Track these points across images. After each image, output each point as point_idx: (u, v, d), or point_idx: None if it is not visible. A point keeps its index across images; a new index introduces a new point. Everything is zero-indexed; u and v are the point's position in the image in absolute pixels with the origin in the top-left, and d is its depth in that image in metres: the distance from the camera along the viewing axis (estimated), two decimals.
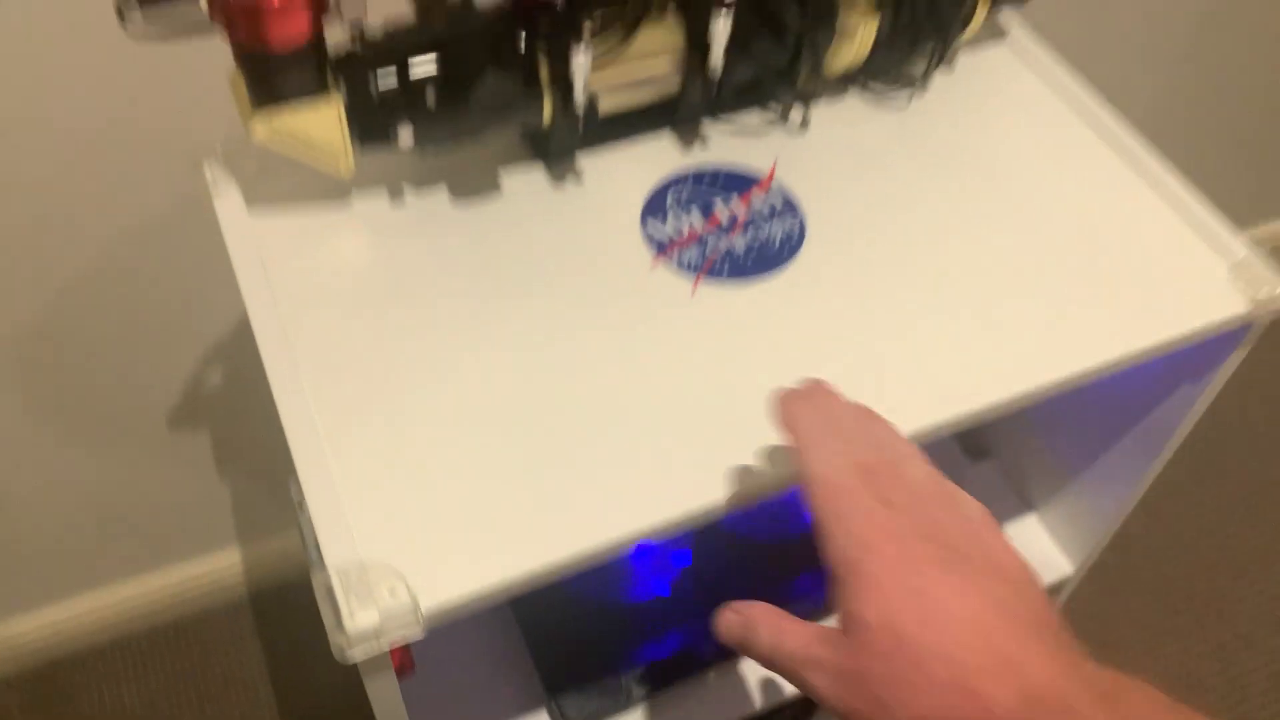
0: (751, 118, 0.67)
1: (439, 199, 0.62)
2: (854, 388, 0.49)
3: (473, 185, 0.63)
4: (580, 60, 0.55)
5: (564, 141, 0.63)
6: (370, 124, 0.56)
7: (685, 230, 0.61)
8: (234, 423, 1.04)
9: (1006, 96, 0.70)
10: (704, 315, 0.57)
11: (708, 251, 0.60)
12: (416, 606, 0.46)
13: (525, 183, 0.63)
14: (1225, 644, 1.24)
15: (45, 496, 1.01)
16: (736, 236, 0.61)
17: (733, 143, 0.66)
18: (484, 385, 0.54)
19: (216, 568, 1.17)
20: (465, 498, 0.50)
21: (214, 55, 0.52)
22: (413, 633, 0.46)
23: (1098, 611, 1.25)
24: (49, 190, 0.79)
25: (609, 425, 0.53)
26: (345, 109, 0.54)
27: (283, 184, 0.61)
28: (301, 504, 0.64)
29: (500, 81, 0.54)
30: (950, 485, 0.44)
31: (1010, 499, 0.87)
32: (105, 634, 1.16)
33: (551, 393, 0.54)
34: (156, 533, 1.11)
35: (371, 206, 0.62)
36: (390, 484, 0.50)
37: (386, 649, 0.46)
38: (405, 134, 0.56)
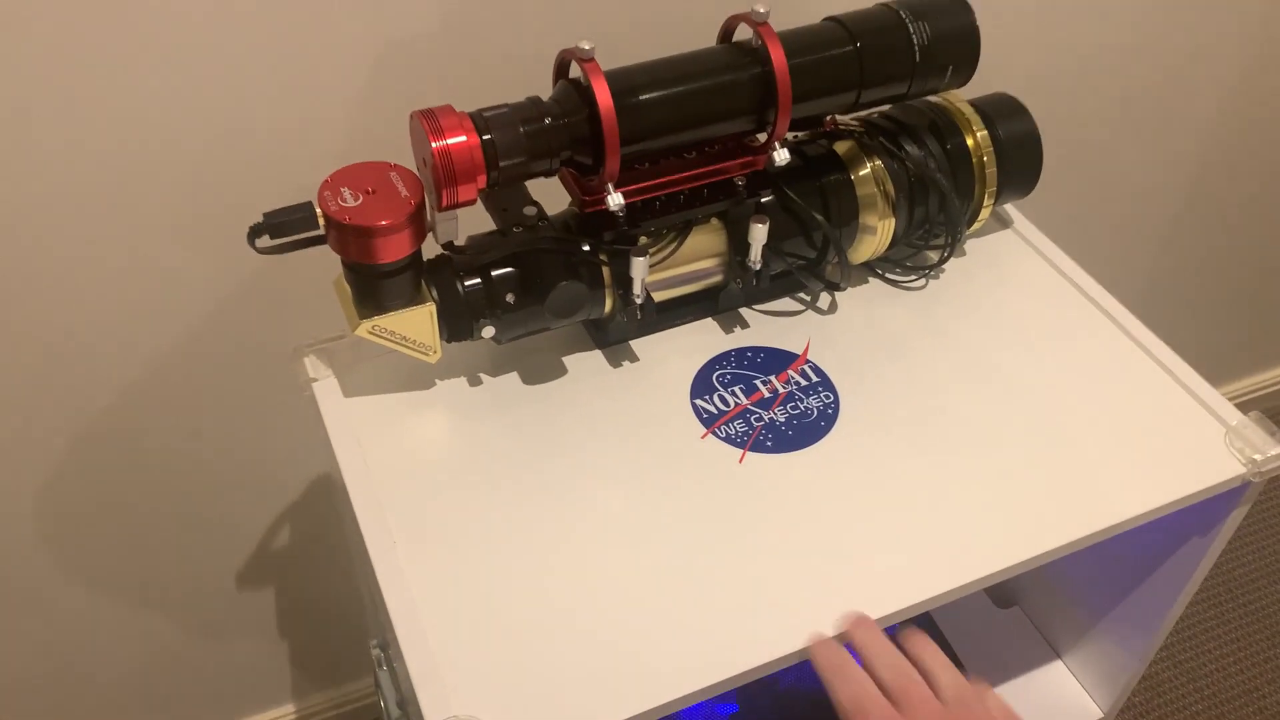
0: (786, 304, 0.76)
1: (512, 381, 0.70)
2: (889, 551, 0.55)
3: (542, 369, 0.71)
4: (639, 265, 0.64)
5: (622, 331, 0.71)
6: (457, 323, 0.64)
7: (731, 405, 0.69)
8: (296, 583, 1.10)
9: (1013, 279, 0.78)
10: (752, 482, 0.64)
11: (753, 424, 0.68)
12: None
13: (588, 365, 0.71)
14: None
15: (115, 652, 1.06)
16: (777, 409, 0.68)
17: (770, 326, 0.74)
18: (559, 553, 0.61)
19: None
20: (542, 658, 0.56)
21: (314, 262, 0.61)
22: None
23: None
24: (161, 370, 0.88)
25: (673, 587, 0.59)
26: (437, 310, 0.63)
27: (373, 370, 0.69)
28: (382, 663, 0.70)
29: (570, 288, 0.63)
30: None
31: (1039, 646, 0.92)
32: None
33: (620, 558, 0.60)
34: (219, 687, 1.16)
35: (453, 389, 0.69)
36: (477, 644, 0.56)
37: None
38: (487, 331, 0.64)
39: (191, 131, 0.74)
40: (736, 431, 0.67)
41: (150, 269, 0.80)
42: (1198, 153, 1.22)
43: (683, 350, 0.72)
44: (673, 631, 0.57)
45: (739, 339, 0.73)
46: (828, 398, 0.69)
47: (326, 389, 0.68)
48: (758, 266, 0.69)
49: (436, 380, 0.70)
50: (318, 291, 0.71)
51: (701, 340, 0.73)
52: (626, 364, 0.71)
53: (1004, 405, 0.69)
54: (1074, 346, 0.73)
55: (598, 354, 0.72)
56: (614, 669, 0.55)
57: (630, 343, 0.72)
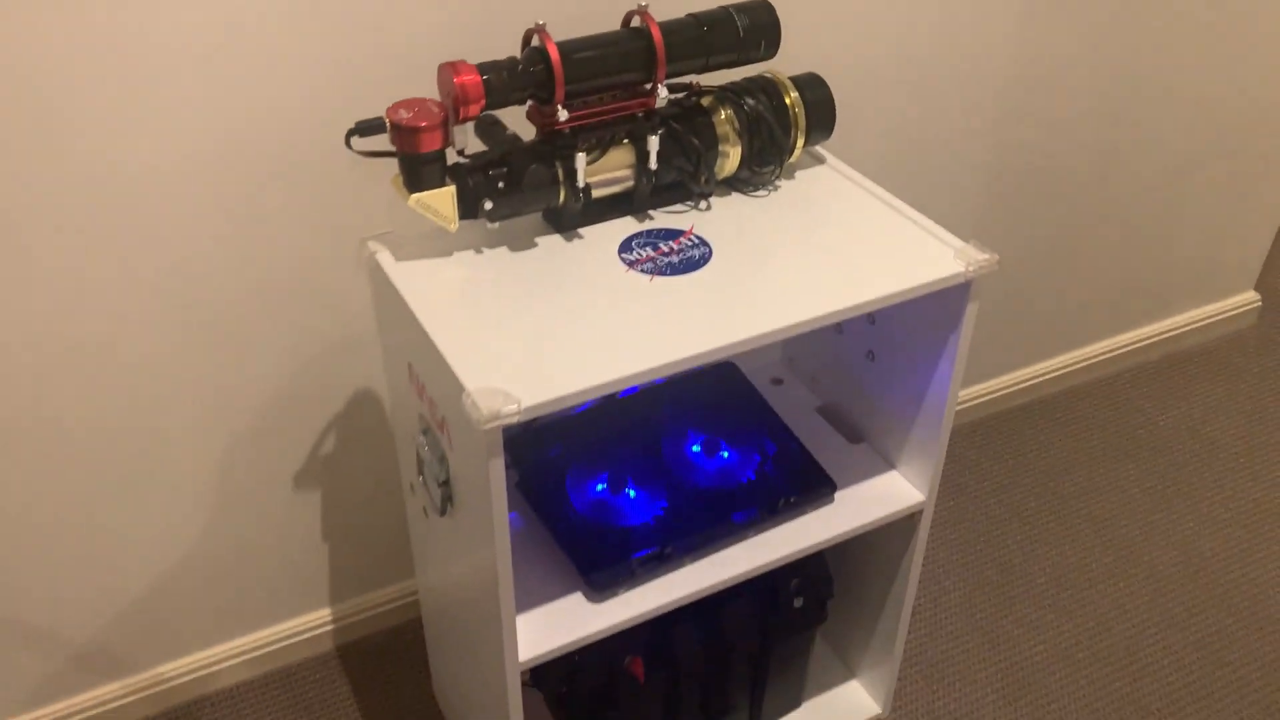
0: (676, 208, 1.16)
1: (501, 251, 1.09)
2: (743, 313, 0.94)
3: (520, 244, 1.09)
4: (580, 162, 1.04)
5: (572, 219, 1.10)
6: (467, 200, 1.03)
7: (644, 256, 1.08)
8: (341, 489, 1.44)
9: (820, 188, 1.19)
10: (659, 295, 1.03)
11: (658, 264, 1.07)
12: (519, 401, 0.88)
13: (550, 241, 1.10)
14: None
15: (194, 552, 1.39)
16: (673, 257, 1.08)
17: (666, 220, 1.14)
18: (537, 324, 0.98)
19: (314, 621, 1.53)
20: (532, 363, 0.93)
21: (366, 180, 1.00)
22: (515, 417, 0.88)
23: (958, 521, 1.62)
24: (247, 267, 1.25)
25: (616, 330, 0.97)
26: (455, 192, 1.02)
27: (410, 249, 1.08)
28: (424, 447, 1.06)
29: (538, 170, 1.03)
30: None
31: (881, 465, 1.29)
32: (231, 677, 1.49)
33: (595, 312, 0.98)
34: (266, 595, 1.48)
35: (464, 257, 1.08)
36: (490, 358, 0.93)
37: (503, 424, 0.88)
38: (487, 204, 1.03)
39: (305, 78, 1.14)
40: (648, 269, 1.06)
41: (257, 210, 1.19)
42: (963, 107, 1.67)
43: (610, 233, 1.12)
44: (608, 351, 0.95)
45: (647, 225, 1.13)
46: (705, 250, 1.09)
47: (384, 256, 1.07)
48: (654, 168, 1.09)
49: (454, 251, 1.08)
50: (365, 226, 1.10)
51: (622, 228, 1.13)
52: (575, 240, 1.11)
53: (816, 252, 1.09)
54: (862, 216, 1.14)
55: (556, 236, 1.11)
56: (573, 366, 0.93)
57: (578, 229, 1.12)
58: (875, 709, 1.48)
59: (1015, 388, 2.02)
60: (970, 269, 1.07)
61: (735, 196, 1.18)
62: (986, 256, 1.08)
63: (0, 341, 1.13)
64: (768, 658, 1.36)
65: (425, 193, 1.01)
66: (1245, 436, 1.99)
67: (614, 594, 1.13)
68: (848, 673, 1.52)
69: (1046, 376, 2.04)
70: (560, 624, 1.10)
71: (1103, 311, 2.04)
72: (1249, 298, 2.24)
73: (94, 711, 1.43)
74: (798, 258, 1.08)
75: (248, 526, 1.41)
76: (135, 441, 1.27)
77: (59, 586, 1.32)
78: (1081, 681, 1.55)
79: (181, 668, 1.47)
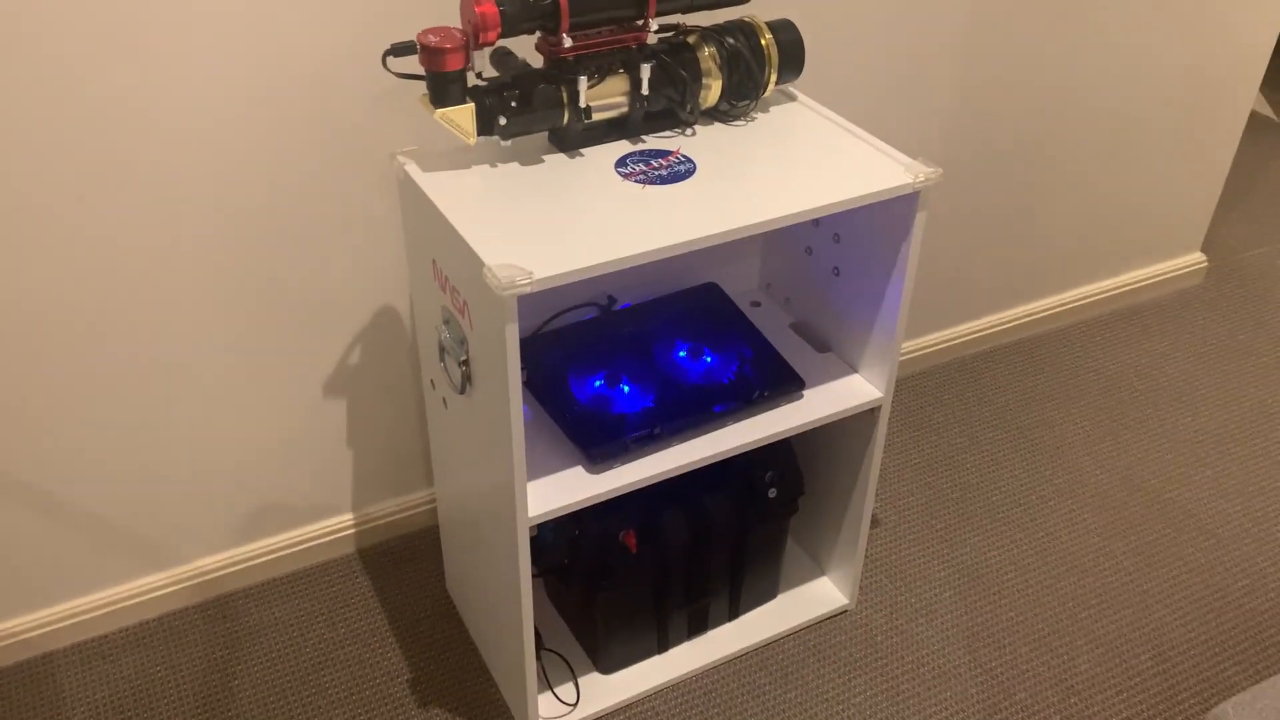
0: (664, 135, 1.33)
1: (513, 164, 1.25)
2: (724, 212, 1.11)
3: (530, 159, 1.26)
4: (582, 85, 1.21)
5: (575, 139, 1.27)
6: (485, 117, 1.20)
7: (637, 169, 1.25)
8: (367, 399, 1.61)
9: (790, 119, 1.37)
10: (650, 199, 1.20)
11: (650, 176, 1.24)
12: (531, 273, 1.05)
13: (555, 158, 1.27)
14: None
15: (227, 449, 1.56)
16: (663, 171, 1.25)
17: (656, 143, 1.31)
18: (545, 219, 1.15)
19: (337, 525, 1.69)
20: (543, 247, 1.10)
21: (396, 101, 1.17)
22: (527, 287, 1.04)
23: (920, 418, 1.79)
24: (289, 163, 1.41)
25: (614, 224, 1.14)
26: (475, 109, 1.19)
27: (434, 162, 1.24)
28: (444, 333, 1.23)
29: (546, 90, 1.20)
30: None
31: (844, 370, 1.46)
32: (261, 574, 1.66)
33: (585, 218, 1.15)
34: (294, 499, 1.64)
35: (483, 170, 1.25)
36: (507, 243, 1.10)
37: (518, 294, 1.04)
38: (502, 120, 1.20)
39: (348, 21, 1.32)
40: (641, 180, 1.23)
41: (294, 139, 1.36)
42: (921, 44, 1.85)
43: (607, 153, 1.29)
44: (607, 238, 1.12)
45: (639, 147, 1.30)
46: (690, 165, 1.26)
47: (412, 167, 1.23)
48: (646, 93, 1.26)
49: (472, 165, 1.25)
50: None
51: (618, 149, 1.30)
52: (577, 158, 1.28)
53: (787, 168, 1.26)
54: (826, 145, 1.31)
55: (560, 155, 1.28)
56: (579, 246, 1.10)
57: (579, 149, 1.29)
58: (843, 600, 1.65)
59: (974, 335, 2.19)
60: (919, 179, 1.24)
61: (716, 125, 1.35)
62: (932, 169, 1.25)
63: (66, 251, 1.30)
64: (744, 544, 1.52)
65: (449, 108, 1.18)
66: (1187, 379, 2.17)
67: (610, 466, 1.29)
68: (818, 570, 1.69)
69: (1003, 327, 2.22)
70: (564, 488, 1.26)
71: (1057, 267, 2.21)
72: (1196, 258, 2.43)
73: (141, 599, 1.58)
74: (772, 173, 1.25)
75: (277, 431, 1.57)
76: (176, 343, 1.43)
77: (107, 477, 1.48)
78: (1031, 581, 1.72)
79: (218, 562, 1.63)
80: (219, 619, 1.62)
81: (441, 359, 1.29)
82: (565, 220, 1.15)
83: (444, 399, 1.36)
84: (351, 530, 1.71)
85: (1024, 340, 2.26)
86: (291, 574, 1.69)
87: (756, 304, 1.60)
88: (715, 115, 1.36)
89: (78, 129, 1.23)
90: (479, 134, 1.21)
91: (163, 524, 1.56)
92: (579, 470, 1.29)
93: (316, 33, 1.31)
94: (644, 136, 1.32)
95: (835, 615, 1.65)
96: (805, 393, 1.42)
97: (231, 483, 1.58)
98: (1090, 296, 2.30)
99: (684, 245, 1.13)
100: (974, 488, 1.90)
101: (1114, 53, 1.96)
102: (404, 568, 1.71)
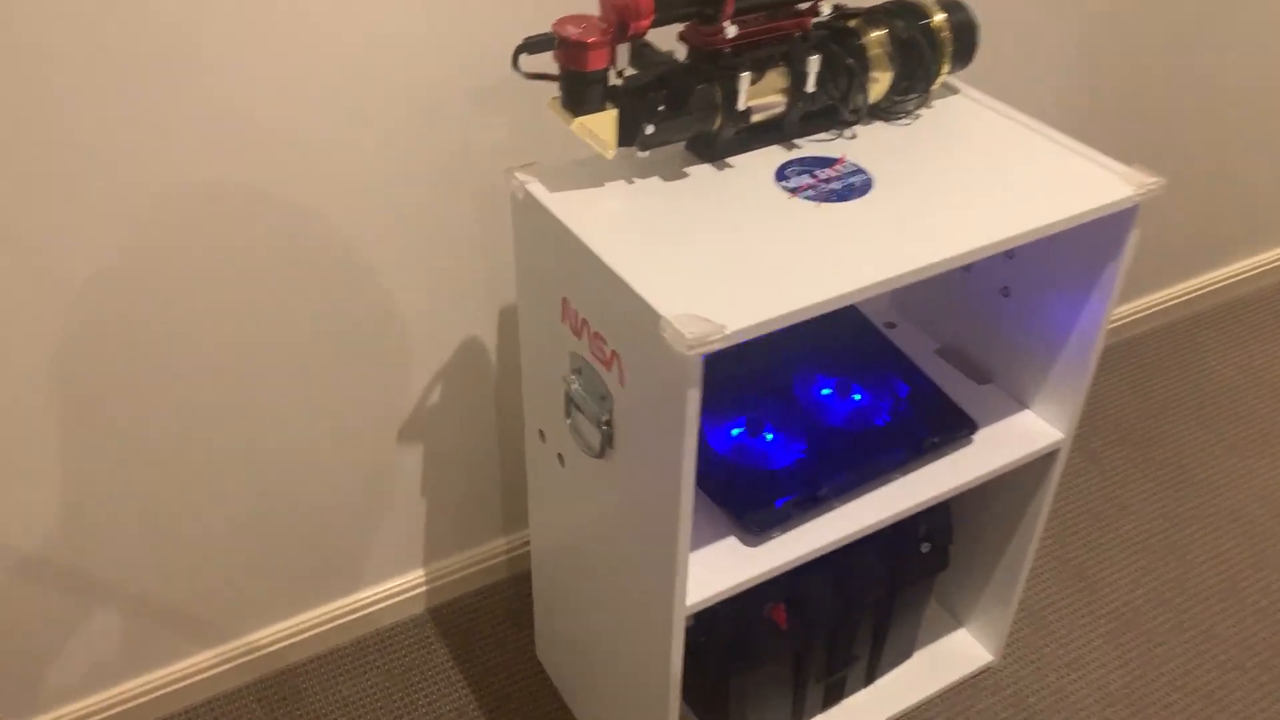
0: (823, 138, 1.11)
1: (654, 180, 1.04)
2: (920, 240, 0.90)
3: (670, 172, 1.04)
4: (743, 83, 0.99)
5: (725, 146, 1.06)
6: (628, 124, 0.98)
7: (805, 184, 1.03)
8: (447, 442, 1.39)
9: (965, 114, 1.15)
10: (831, 220, 0.99)
11: (820, 190, 1.02)
12: (724, 326, 0.84)
13: (699, 171, 1.05)
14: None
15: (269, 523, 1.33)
16: (833, 183, 1.03)
17: (816, 149, 1.09)
18: (715, 252, 0.94)
19: (405, 584, 1.47)
20: (719, 289, 0.88)
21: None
22: (719, 344, 0.83)
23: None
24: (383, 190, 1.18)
25: (796, 256, 0.92)
26: (618, 115, 0.97)
27: (564, 178, 1.02)
28: (574, 382, 1.01)
29: (705, 90, 0.98)
30: None
31: (1013, 405, 1.26)
32: (322, 644, 1.44)
33: (759, 249, 0.94)
34: (358, 557, 1.42)
35: (623, 183, 1.03)
36: (674, 284, 0.89)
37: (707, 352, 0.83)
38: (649, 128, 0.98)
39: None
40: (811, 196, 1.02)
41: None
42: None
43: (759, 162, 1.07)
44: (811, 266, 0.90)
45: (796, 154, 1.08)
46: (864, 177, 1.05)
47: (536, 186, 1.01)
48: (811, 90, 1.04)
49: (604, 182, 1.03)
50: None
51: (770, 156, 1.08)
52: (726, 169, 1.06)
53: (979, 178, 1.05)
54: (1012, 148, 1.10)
55: (704, 166, 1.06)
56: (768, 289, 0.88)
57: (726, 158, 1.07)
58: (987, 657, 1.46)
59: None
60: (1138, 192, 1.04)
61: (877, 125, 1.14)
62: (1154, 180, 1.04)
63: (120, 275, 1.07)
64: (892, 603, 1.33)
65: (588, 116, 0.96)
66: None
67: (769, 536, 1.08)
68: (955, 622, 1.50)
69: (1111, 325, 2.03)
70: (718, 567, 1.06)
71: (1163, 260, 2.03)
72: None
73: (188, 681, 1.36)
74: (960, 184, 1.04)
75: (342, 480, 1.35)
76: (239, 392, 1.21)
77: (151, 550, 1.26)
78: (1185, 623, 1.54)
79: (274, 635, 1.41)
80: (278, 700, 1.40)
81: (568, 414, 1.07)
82: (739, 252, 0.94)
83: (560, 455, 1.14)
84: (422, 588, 1.50)
85: (1129, 341, 2.07)
86: (357, 641, 1.47)
87: (891, 325, 1.40)
88: (875, 113, 1.15)
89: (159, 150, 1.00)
90: (620, 144, 0.99)
91: (208, 594, 1.34)
92: (733, 543, 1.08)
93: (382, 18, 1.08)
94: (796, 141, 1.11)
95: (979, 673, 1.46)
96: (975, 435, 1.22)
97: (288, 543, 1.36)
98: (1195, 290, 2.11)
99: (893, 281, 0.92)
100: (1103, 515, 1.71)
101: (1221, 46, 1.77)
102: (482, 627, 1.50)
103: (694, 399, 0.86)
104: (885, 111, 1.15)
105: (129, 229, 1.04)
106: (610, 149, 0.98)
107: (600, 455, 1.04)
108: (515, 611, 1.52)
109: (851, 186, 1.03)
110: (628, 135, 0.99)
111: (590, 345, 1.00)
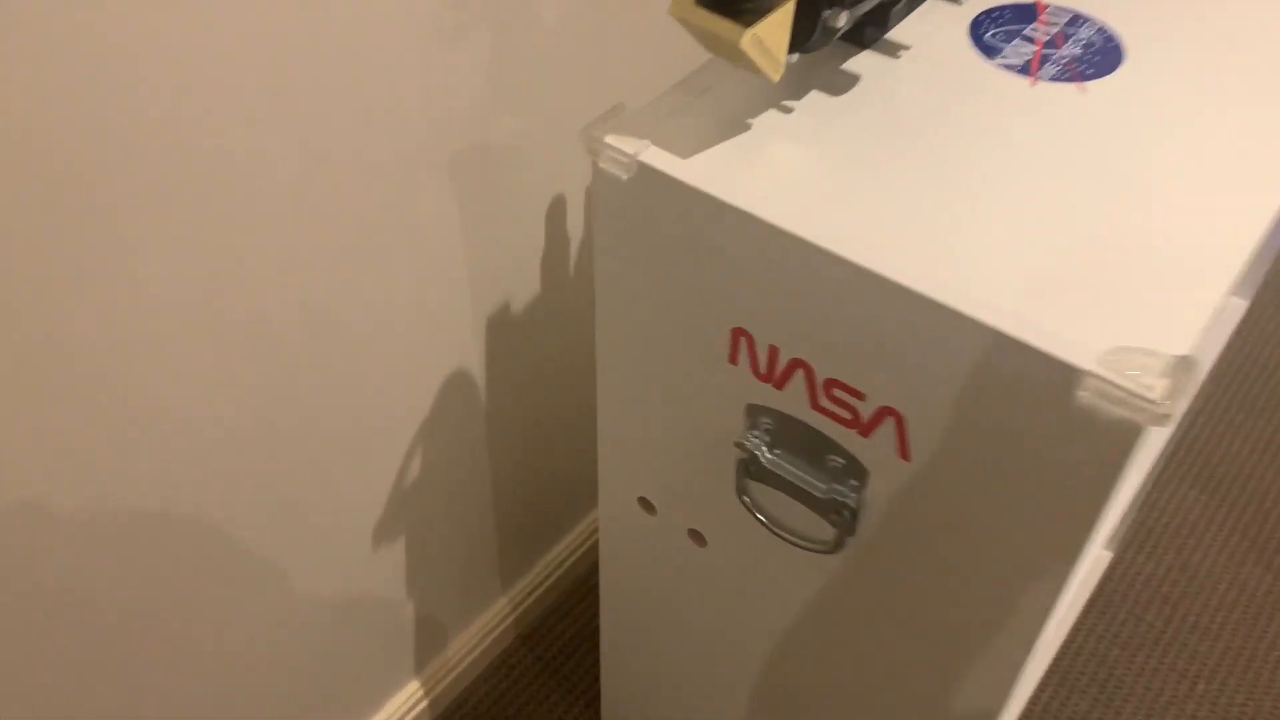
0: None
1: (814, 97, 0.63)
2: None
3: (834, 83, 0.64)
4: None
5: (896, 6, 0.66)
6: (805, 23, 0.56)
7: (1026, 55, 0.66)
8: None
9: None
10: (1113, 115, 0.62)
11: (1063, 66, 0.65)
12: (1187, 360, 0.47)
13: (862, 63, 0.65)
14: None
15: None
16: (1073, 48, 0.67)
17: None
18: (1004, 219, 0.56)
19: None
20: (1095, 279, 0.52)
21: None
22: (1169, 413, 0.47)
23: None
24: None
25: (1145, 193, 0.56)
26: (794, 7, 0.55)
27: (668, 131, 0.60)
28: (758, 447, 0.63)
29: None
30: None
31: None
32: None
33: (1055, 203, 0.57)
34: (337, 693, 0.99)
35: (767, 117, 0.62)
36: (999, 280, 0.51)
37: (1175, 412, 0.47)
38: (841, 17, 0.57)
39: None
40: (1056, 74, 0.65)
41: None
42: None
43: (935, 31, 0.68)
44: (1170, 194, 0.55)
45: (965, 8, 0.70)
46: (1101, 31, 0.68)
47: (659, 157, 0.58)
48: None
49: (745, 120, 0.62)
50: None
51: (941, 19, 0.69)
52: (902, 52, 0.66)
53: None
54: None
55: (862, 55, 0.66)
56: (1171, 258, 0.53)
57: (885, 37, 0.68)
58: None
59: None
60: None
61: None
62: None
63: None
64: None
65: (761, 24, 0.53)
66: None
67: None
68: None
69: None
70: None
71: None
72: None
73: None
74: (1244, 40, 0.70)
75: (316, 596, 0.91)
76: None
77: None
78: None
79: None
80: None
81: (742, 491, 0.68)
82: (1036, 212, 0.56)
83: (696, 532, 0.76)
84: (424, 703, 1.09)
85: None
86: None
87: None
88: None
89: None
90: (793, 47, 0.58)
91: None
92: None
93: None
94: None
95: None
96: None
97: (256, 684, 0.91)
98: None
99: None
100: None
101: None
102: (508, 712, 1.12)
103: (1112, 488, 0.51)
104: None
105: None
106: (777, 69, 0.57)
107: (837, 550, 0.66)
108: (533, 702, 1.14)
109: (1093, 47, 0.67)
110: (799, 37, 0.58)
111: (811, 397, 0.60)
